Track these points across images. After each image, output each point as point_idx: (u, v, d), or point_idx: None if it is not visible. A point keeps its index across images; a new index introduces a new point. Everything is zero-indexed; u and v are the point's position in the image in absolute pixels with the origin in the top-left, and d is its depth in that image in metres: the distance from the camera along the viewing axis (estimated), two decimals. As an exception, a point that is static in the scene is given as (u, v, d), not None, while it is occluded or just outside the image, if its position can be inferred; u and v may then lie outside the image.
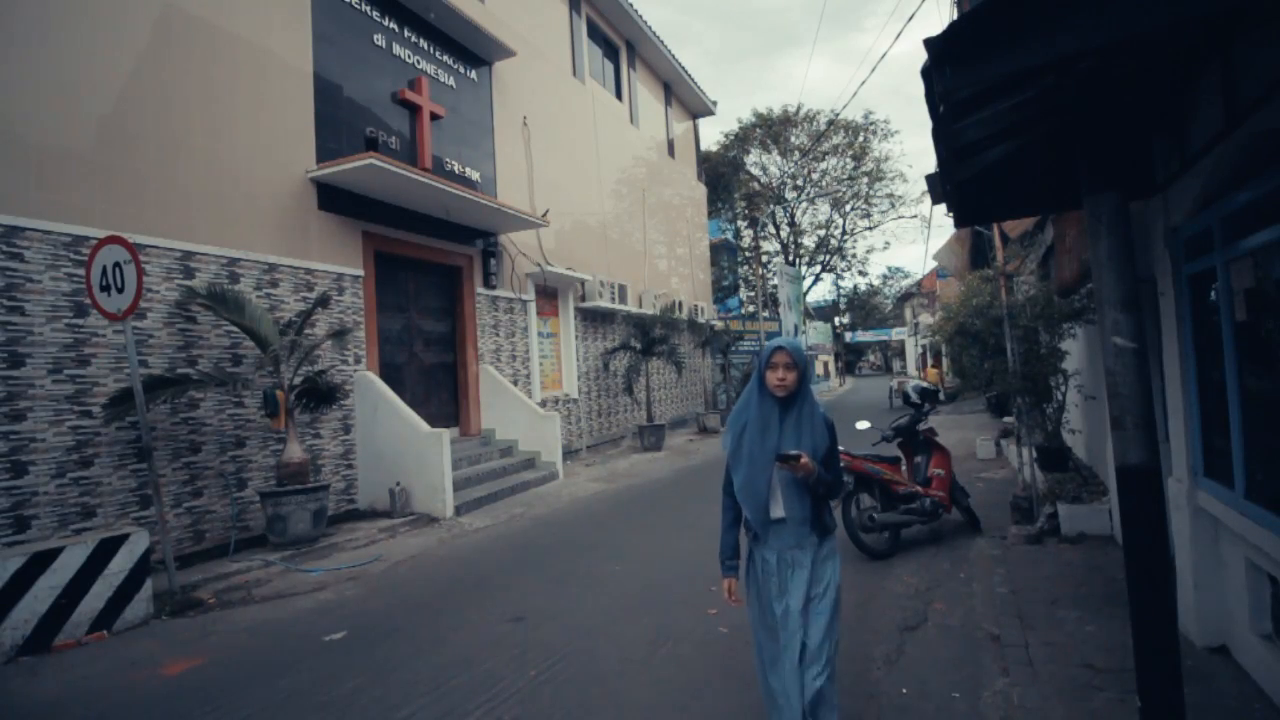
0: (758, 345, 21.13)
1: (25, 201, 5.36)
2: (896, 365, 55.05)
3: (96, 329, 5.74)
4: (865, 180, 31.62)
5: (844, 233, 34.00)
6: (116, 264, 5.21)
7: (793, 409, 2.52)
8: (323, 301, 7.19)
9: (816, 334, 34.68)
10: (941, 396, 7.74)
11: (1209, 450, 3.52)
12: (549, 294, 12.61)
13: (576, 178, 13.51)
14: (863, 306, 50.41)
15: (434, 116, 9.55)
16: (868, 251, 63.57)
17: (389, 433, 8.06)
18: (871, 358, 69.34)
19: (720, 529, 2.72)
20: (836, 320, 44.55)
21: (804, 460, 2.37)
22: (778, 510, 2.53)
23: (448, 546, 6.82)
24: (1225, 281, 3.10)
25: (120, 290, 5.21)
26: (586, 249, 13.59)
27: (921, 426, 6.43)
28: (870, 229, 33.87)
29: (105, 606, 4.71)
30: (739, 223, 30.21)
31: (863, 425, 6.49)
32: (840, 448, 5.77)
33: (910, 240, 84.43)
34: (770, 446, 2.48)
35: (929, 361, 29.26)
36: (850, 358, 55.20)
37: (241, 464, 6.81)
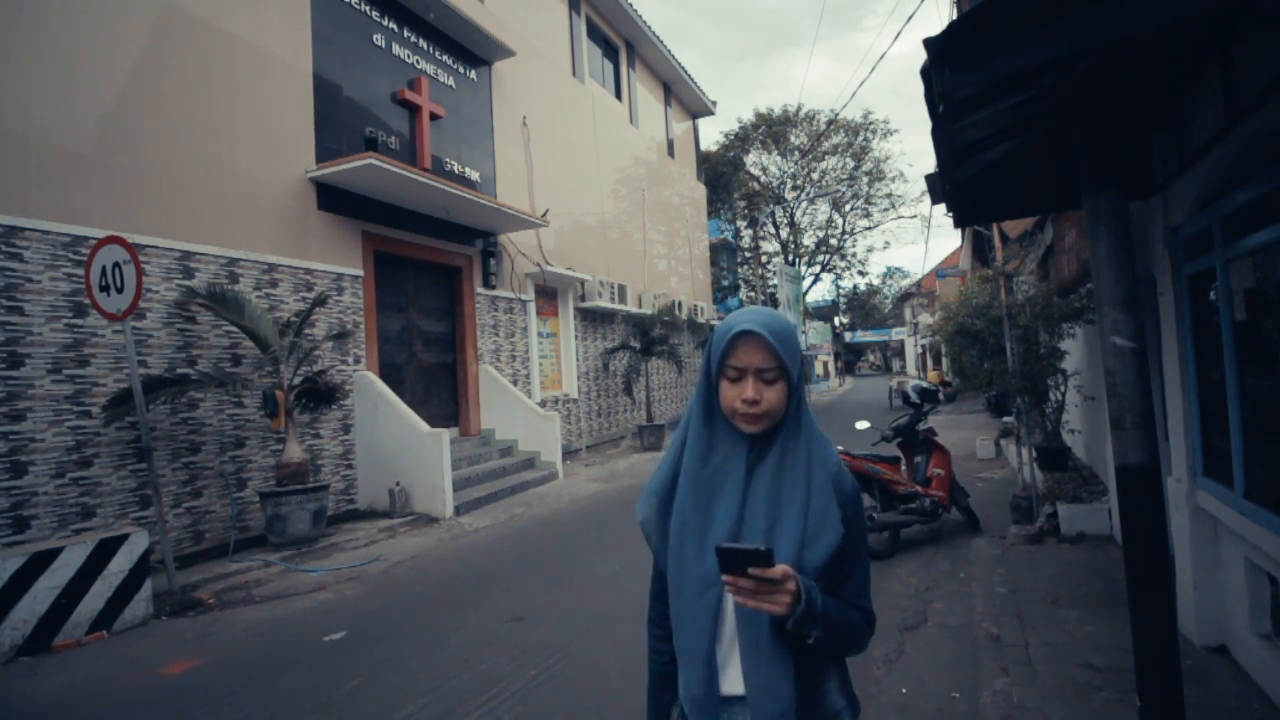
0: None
1: (25, 201, 5.36)
2: (896, 365, 55.09)
3: (96, 329, 5.74)
4: (865, 180, 31.62)
5: (844, 232, 34.00)
6: (116, 264, 5.21)
7: (771, 454, 1.24)
8: (320, 301, 7.18)
9: (816, 334, 34.68)
10: (941, 396, 7.73)
11: (1208, 450, 3.52)
12: (549, 294, 12.60)
13: (576, 178, 13.51)
14: (862, 306, 50.45)
15: (433, 116, 9.55)
16: (868, 251, 63.65)
17: (389, 433, 8.05)
18: (871, 358, 69.39)
19: (648, 682, 1.41)
20: (836, 320, 44.56)
21: (778, 569, 1.08)
22: (729, 680, 1.23)
23: (447, 546, 6.82)
24: (1225, 281, 3.11)
25: (120, 290, 5.21)
26: (586, 249, 13.59)
27: (921, 426, 6.43)
28: (870, 229, 33.88)
29: (105, 607, 4.71)
30: (739, 223, 30.21)
31: (863, 425, 6.51)
32: (839, 447, 5.65)
33: (910, 240, 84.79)
34: (716, 536, 1.21)
35: (929, 365, 29.30)
36: (850, 358, 55.24)
37: (241, 464, 6.81)
